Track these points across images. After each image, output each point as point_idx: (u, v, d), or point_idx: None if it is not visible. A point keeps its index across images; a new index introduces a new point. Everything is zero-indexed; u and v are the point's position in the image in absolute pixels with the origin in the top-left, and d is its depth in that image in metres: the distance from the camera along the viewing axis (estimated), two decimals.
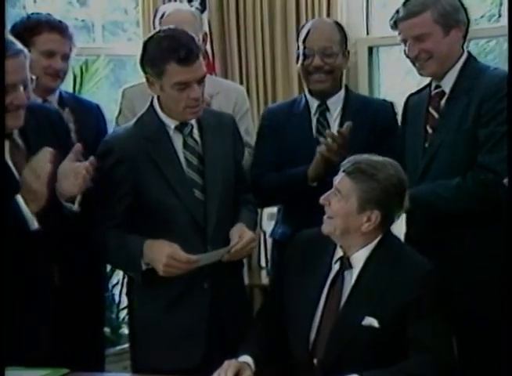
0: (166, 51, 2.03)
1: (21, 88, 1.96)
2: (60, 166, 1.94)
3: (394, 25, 2.33)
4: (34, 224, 1.94)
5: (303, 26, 2.69)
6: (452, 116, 2.26)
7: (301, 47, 2.57)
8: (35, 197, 1.92)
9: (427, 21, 2.24)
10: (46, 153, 1.93)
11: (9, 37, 2.00)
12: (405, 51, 2.32)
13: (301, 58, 2.57)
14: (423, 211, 2.24)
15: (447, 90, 2.30)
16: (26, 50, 2.00)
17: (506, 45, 2.32)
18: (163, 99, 2.14)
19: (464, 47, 2.34)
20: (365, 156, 1.95)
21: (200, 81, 2.09)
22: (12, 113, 1.97)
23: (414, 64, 2.33)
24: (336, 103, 2.60)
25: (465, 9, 2.31)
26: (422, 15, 2.25)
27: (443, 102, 2.31)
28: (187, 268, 2.03)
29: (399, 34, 2.33)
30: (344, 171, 1.93)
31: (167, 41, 2.04)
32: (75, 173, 1.94)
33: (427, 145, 2.31)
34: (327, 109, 2.59)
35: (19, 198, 1.93)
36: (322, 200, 1.96)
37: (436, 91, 2.34)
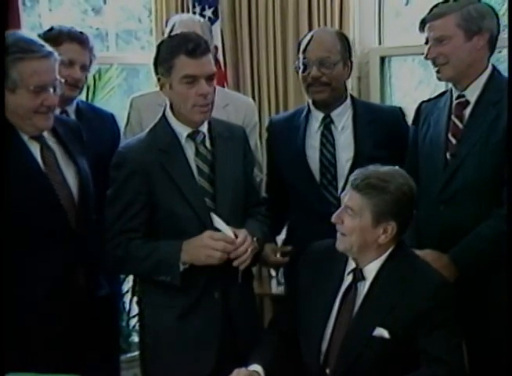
0: (175, 46, 2.07)
1: (51, 90, 2.01)
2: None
3: (422, 26, 2.32)
4: None
5: (304, 36, 2.66)
6: (479, 128, 2.24)
7: (301, 57, 2.55)
8: None
9: (449, 24, 2.25)
10: None
11: (39, 40, 2.04)
12: (426, 53, 2.31)
13: (301, 68, 2.56)
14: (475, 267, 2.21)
15: (472, 100, 2.29)
16: (56, 53, 2.04)
17: None
18: (173, 101, 2.15)
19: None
20: (372, 168, 1.94)
21: (209, 78, 2.10)
22: (43, 115, 2.01)
23: (434, 67, 2.33)
24: (341, 115, 2.56)
25: (497, 17, 2.29)
26: (445, 17, 2.25)
27: (467, 112, 2.30)
28: (224, 247, 2.04)
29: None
30: (353, 187, 1.92)
31: (176, 38, 2.11)
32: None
33: (448, 155, 2.30)
34: (332, 121, 2.56)
35: None
36: (334, 218, 1.95)
37: (459, 100, 2.32)
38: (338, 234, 1.95)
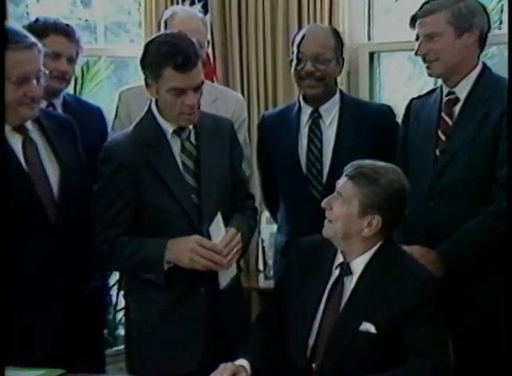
0: (164, 56, 2.03)
1: (34, 81, 1.98)
2: None
3: (412, 22, 2.32)
4: None
5: (299, 30, 2.67)
6: (469, 124, 2.25)
7: (295, 51, 2.55)
8: None
9: (439, 21, 2.25)
10: None
11: (23, 30, 2.02)
12: (416, 49, 2.31)
13: (294, 62, 2.56)
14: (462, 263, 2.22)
15: (461, 97, 2.30)
16: (40, 44, 2.02)
17: (507, 53, 2.30)
18: (159, 103, 2.14)
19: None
20: (368, 161, 1.95)
21: (197, 88, 2.09)
22: (27, 105, 1.99)
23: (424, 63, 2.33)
24: (329, 110, 2.58)
25: (487, 15, 2.30)
26: (436, 14, 2.25)
27: (457, 108, 2.30)
28: (211, 257, 2.03)
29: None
30: (346, 175, 1.93)
31: (166, 47, 2.04)
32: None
33: (438, 152, 2.31)
34: (320, 116, 2.57)
35: None
36: (323, 203, 1.96)
37: (449, 97, 2.33)
38: (326, 221, 1.96)
